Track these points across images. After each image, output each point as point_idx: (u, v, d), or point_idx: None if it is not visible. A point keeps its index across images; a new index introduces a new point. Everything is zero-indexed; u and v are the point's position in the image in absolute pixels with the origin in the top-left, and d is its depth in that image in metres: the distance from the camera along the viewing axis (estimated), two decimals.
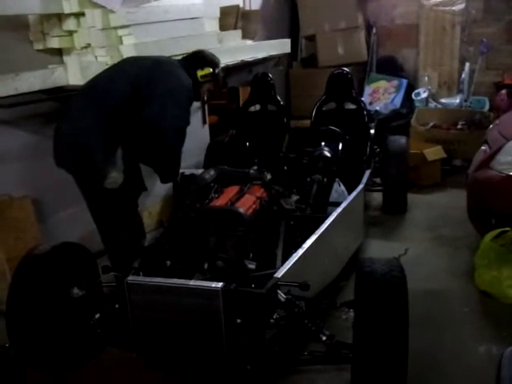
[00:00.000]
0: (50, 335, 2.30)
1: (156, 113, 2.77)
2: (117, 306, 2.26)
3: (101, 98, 2.81)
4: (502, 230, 3.14)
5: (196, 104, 4.67)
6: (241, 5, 4.90)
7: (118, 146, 2.80)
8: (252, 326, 2.09)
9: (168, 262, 2.51)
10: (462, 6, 6.36)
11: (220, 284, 2.04)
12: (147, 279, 2.20)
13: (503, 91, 5.98)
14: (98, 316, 2.30)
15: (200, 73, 3.05)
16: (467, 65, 6.16)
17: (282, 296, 2.13)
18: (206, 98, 4.63)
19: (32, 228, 3.14)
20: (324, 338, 2.10)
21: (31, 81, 2.96)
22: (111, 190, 2.76)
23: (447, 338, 2.73)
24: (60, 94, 3.17)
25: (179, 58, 3.19)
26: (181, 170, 3.56)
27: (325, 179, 3.50)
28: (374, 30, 6.80)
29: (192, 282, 2.14)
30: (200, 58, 3.12)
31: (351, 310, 2.18)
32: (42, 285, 2.27)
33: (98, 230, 3.01)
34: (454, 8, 6.41)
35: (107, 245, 2.97)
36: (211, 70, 3.09)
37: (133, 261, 2.38)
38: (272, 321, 2.10)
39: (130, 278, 2.17)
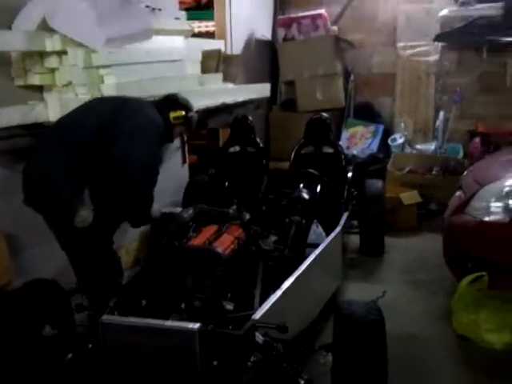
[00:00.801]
0: (20, 375, 2.21)
1: (122, 150, 2.68)
2: (90, 345, 2.20)
3: (68, 136, 2.77)
4: (479, 274, 3.17)
5: (176, 143, 4.69)
6: (222, 49, 5.00)
7: (86, 185, 2.75)
8: (229, 368, 2.05)
9: (144, 302, 2.46)
10: (436, 57, 6.60)
11: (197, 325, 2.01)
12: (122, 319, 2.15)
13: (477, 139, 6.16)
14: (70, 356, 2.22)
15: (172, 114, 3.01)
16: (441, 113, 6.34)
17: (259, 338, 2.10)
18: (186, 137, 4.65)
19: (4, 263, 3.06)
20: (302, 383, 2.06)
21: (11, 115, 2.94)
22: (82, 229, 2.69)
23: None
24: (39, 130, 3.15)
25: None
26: (159, 209, 3.53)
27: (303, 220, 3.51)
28: (352, 77, 6.98)
29: (168, 323, 2.10)
30: (173, 101, 3.09)
31: (329, 354, 2.14)
32: (13, 322, 2.20)
33: (73, 269, 2.91)
34: (428, 59, 6.64)
35: (82, 284, 2.89)
36: (183, 112, 3.05)
37: (108, 299, 2.32)
38: (249, 363, 2.06)
39: (105, 317, 2.12)
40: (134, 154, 2.69)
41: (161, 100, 3.11)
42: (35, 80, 3.23)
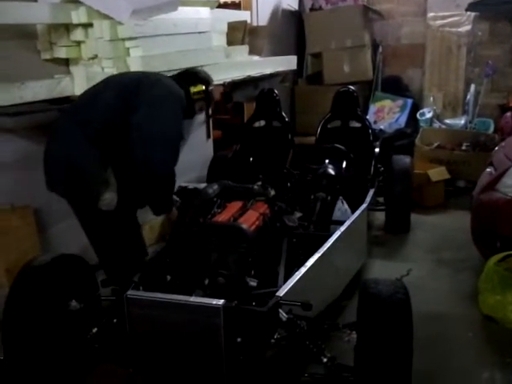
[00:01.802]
0: (46, 348, 2.26)
1: (143, 120, 2.59)
2: (115, 320, 2.23)
3: (87, 113, 2.69)
4: (507, 253, 3.11)
5: (201, 118, 4.67)
6: (248, 21, 4.92)
7: (109, 163, 2.68)
8: (252, 345, 2.05)
9: (168, 277, 2.48)
10: (468, 27, 6.40)
11: (221, 301, 2.01)
12: (147, 294, 2.17)
13: (508, 114, 5.98)
14: (95, 330, 2.26)
15: (193, 89, 2.94)
16: (472, 86, 6.17)
17: (283, 315, 2.10)
18: (210, 112, 4.62)
19: (32, 238, 3.11)
20: (325, 360, 2.07)
21: (37, 90, 2.94)
22: (107, 212, 2.64)
23: (450, 364, 2.68)
24: (66, 104, 3.16)
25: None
26: (184, 184, 3.53)
27: (328, 197, 3.48)
28: (380, 49, 6.83)
29: (192, 299, 2.11)
30: (192, 75, 3.02)
31: (354, 332, 2.13)
32: (40, 297, 2.23)
33: (94, 250, 2.87)
34: (460, 29, 6.44)
35: (104, 264, 2.87)
36: (204, 87, 2.98)
37: (133, 275, 2.34)
38: (273, 340, 2.06)
39: (130, 292, 2.14)
40: (153, 125, 2.61)
41: (180, 74, 3.04)
42: (61, 53, 3.23)
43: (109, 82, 2.84)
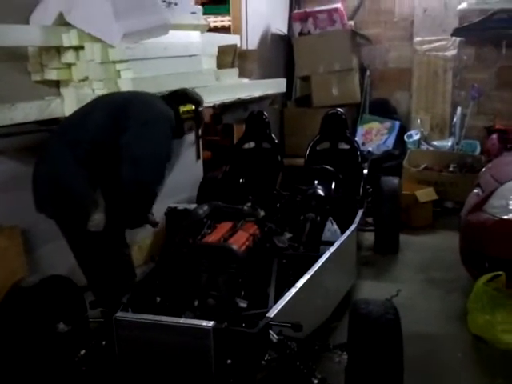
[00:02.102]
0: (33, 370, 2.22)
1: (132, 140, 2.60)
2: (103, 342, 2.20)
3: (76, 133, 2.69)
4: (496, 273, 3.12)
5: (190, 139, 4.69)
6: (238, 44, 4.97)
7: (98, 184, 2.67)
8: (243, 366, 2.04)
9: (158, 299, 2.46)
10: (454, 52, 6.50)
11: (211, 323, 2.00)
12: (136, 316, 2.15)
13: (494, 136, 6.07)
14: (83, 352, 2.22)
15: (182, 108, 2.94)
16: (459, 109, 6.26)
17: (274, 336, 2.09)
18: (200, 133, 4.64)
19: (20, 258, 3.08)
20: (316, 382, 2.05)
21: (27, 111, 2.94)
22: (95, 233, 2.62)
23: None
24: (55, 125, 3.16)
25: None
26: (173, 205, 3.53)
27: (318, 218, 3.49)
28: (368, 73, 6.91)
29: (182, 320, 2.10)
30: (182, 95, 3.02)
31: (344, 353, 2.13)
32: (28, 318, 2.21)
33: (82, 271, 2.84)
34: (446, 54, 6.55)
35: (92, 285, 2.85)
36: (193, 107, 2.99)
37: (121, 296, 2.32)
38: (263, 362, 2.05)
39: (119, 314, 2.12)
40: (143, 145, 2.61)
41: (170, 94, 3.04)
42: (52, 75, 3.23)
43: (98, 103, 2.85)
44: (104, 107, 2.77)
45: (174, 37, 3.61)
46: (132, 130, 2.63)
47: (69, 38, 3.10)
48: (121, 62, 3.18)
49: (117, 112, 2.71)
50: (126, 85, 3.18)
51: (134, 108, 2.72)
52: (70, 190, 2.63)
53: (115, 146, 2.63)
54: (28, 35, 3.01)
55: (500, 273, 3.12)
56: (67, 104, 3.20)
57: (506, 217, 3.20)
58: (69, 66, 3.23)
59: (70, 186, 2.63)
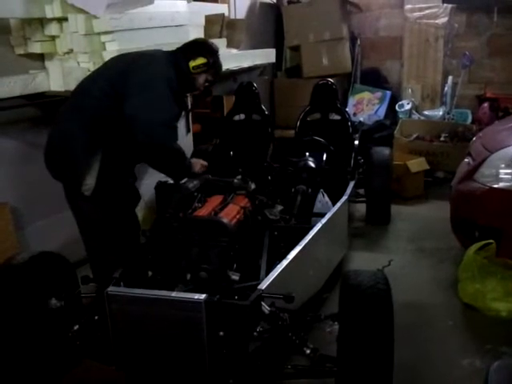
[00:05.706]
0: (27, 347, 2.23)
1: (133, 109, 2.63)
2: (96, 317, 2.21)
3: (82, 100, 2.75)
4: (486, 242, 3.15)
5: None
6: (226, 14, 4.89)
7: (98, 149, 2.68)
8: (235, 338, 2.05)
9: (150, 273, 2.46)
10: (445, 19, 6.44)
11: (203, 296, 1.99)
12: (128, 290, 2.14)
13: (485, 104, 6.06)
14: (76, 327, 2.23)
15: (192, 63, 2.89)
16: (450, 78, 6.23)
17: (265, 308, 2.09)
18: (190, 105, 4.59)
19: (10, 236, 3.06)
20: (308, 352, 2.07)
21: (11, 86, 2.90)
22: (87, 197, 2.68)
23: (431, 352, 2.71)
24: (41, 99, 3.11)
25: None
26: (164, 179, 3.50)
27: (309, 190, 3.48)
28: (359, 42, 6.85)
29: (174, 294, 2.09)
30: (193, 48, 2.96)
31: (336, 323, 2.14)
32: (20, 295, 2.20)
33: (83, 240, 2.90)
34: (437, 21, 6.49)
35: (91, 255, 2.89)
36: (205, 59, 2.92)
37: (113, 271, 2.32)
38: (255, 333, 2.05)
39: (111, 288, 2.11)
40: (146, 111, 2.63)
41: (180, 49, 2.99)
42: (36, 48, 3.18)
43: (106, 68, 2.87)
44: (107, 77, 2.78)
45: (160, 6, 3.54)
46: (133, 98, 2.65)
47: (52, 10, 3.03)
48: (106, 33, 3.13)
49: (116, 81, 2.73)
50: (111, 57, 3.11)
51: (130, 75, 2.72)
52: (66, 152, 2.69)
53: (119, 113, 2.65)
54: (9, 6, 2.94)
55: (490, 241, 3.14)
56: (53, 78, 3.15)
57: (496, 186, 3.21)
58: (53, 38, 3.17)
59: (67, 149, 2.69)
